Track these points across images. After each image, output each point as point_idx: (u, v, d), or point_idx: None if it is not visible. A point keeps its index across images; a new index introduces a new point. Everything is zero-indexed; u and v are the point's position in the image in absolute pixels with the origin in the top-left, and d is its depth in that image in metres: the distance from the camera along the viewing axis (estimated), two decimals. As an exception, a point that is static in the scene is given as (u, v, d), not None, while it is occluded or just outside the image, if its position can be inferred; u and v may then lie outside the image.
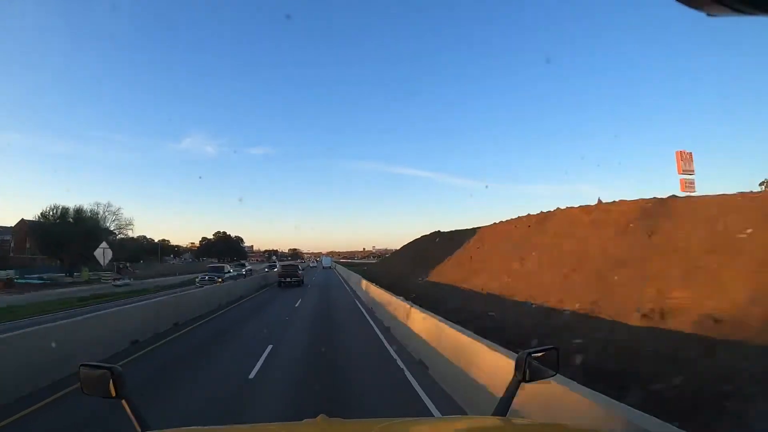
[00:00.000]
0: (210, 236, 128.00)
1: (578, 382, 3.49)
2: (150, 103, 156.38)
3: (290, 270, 28.46)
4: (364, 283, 20.50)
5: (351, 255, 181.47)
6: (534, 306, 12.59)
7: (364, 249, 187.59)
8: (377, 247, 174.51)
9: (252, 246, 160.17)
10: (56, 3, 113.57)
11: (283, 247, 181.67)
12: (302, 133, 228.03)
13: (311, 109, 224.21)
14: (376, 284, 18.22)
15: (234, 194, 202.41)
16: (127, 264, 61.37)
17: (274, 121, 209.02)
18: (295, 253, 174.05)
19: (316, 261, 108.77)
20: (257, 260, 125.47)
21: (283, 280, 27.56)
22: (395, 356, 8.20)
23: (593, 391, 3.27)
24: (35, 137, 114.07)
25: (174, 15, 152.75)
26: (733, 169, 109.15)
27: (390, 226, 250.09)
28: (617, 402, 3.04)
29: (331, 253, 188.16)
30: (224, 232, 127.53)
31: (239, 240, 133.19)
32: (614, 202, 15.56)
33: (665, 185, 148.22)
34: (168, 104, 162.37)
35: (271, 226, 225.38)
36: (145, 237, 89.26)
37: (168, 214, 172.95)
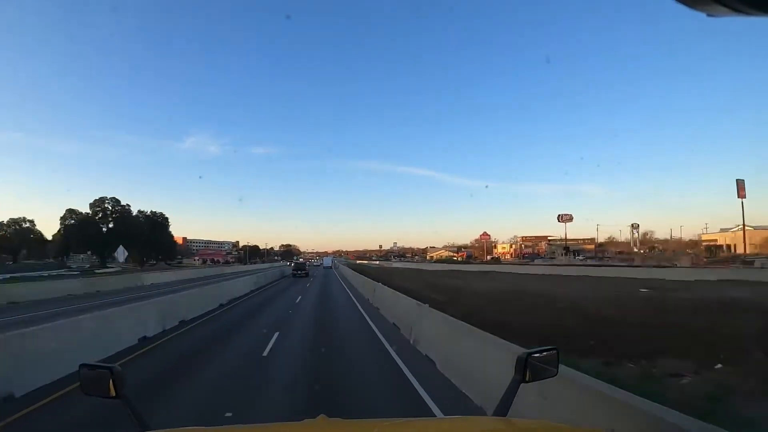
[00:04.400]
0: (84, 209, 59.68)
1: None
2: (150, 103, 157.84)
3: (301, 266, 44.28)
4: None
5: (364, 254, 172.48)
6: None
7: (380, 247, 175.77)
8: (398, 245, 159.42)
9: (237, 242, 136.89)
10: (58, 2, 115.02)
11: (285, 244, 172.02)
12: (302, 132, 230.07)
13: (311, 109, 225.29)
14: None
15: (233, 192, 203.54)
16: None
17: (273, 120, 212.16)
18: (288, 251, 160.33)
19: (321, 260, 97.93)
20: (219, 260, 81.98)
21: (295, 272, 40.61)
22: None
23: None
24: (36, 136, 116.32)
25: (175, 15, 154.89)
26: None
27: (406, 224, 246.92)
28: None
29: (338, 253, 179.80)
30: (114, 199, 59.82)
31: (162, 221, 68.27)
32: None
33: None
34: (169, 104, 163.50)
35: (273, 223, 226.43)
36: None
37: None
